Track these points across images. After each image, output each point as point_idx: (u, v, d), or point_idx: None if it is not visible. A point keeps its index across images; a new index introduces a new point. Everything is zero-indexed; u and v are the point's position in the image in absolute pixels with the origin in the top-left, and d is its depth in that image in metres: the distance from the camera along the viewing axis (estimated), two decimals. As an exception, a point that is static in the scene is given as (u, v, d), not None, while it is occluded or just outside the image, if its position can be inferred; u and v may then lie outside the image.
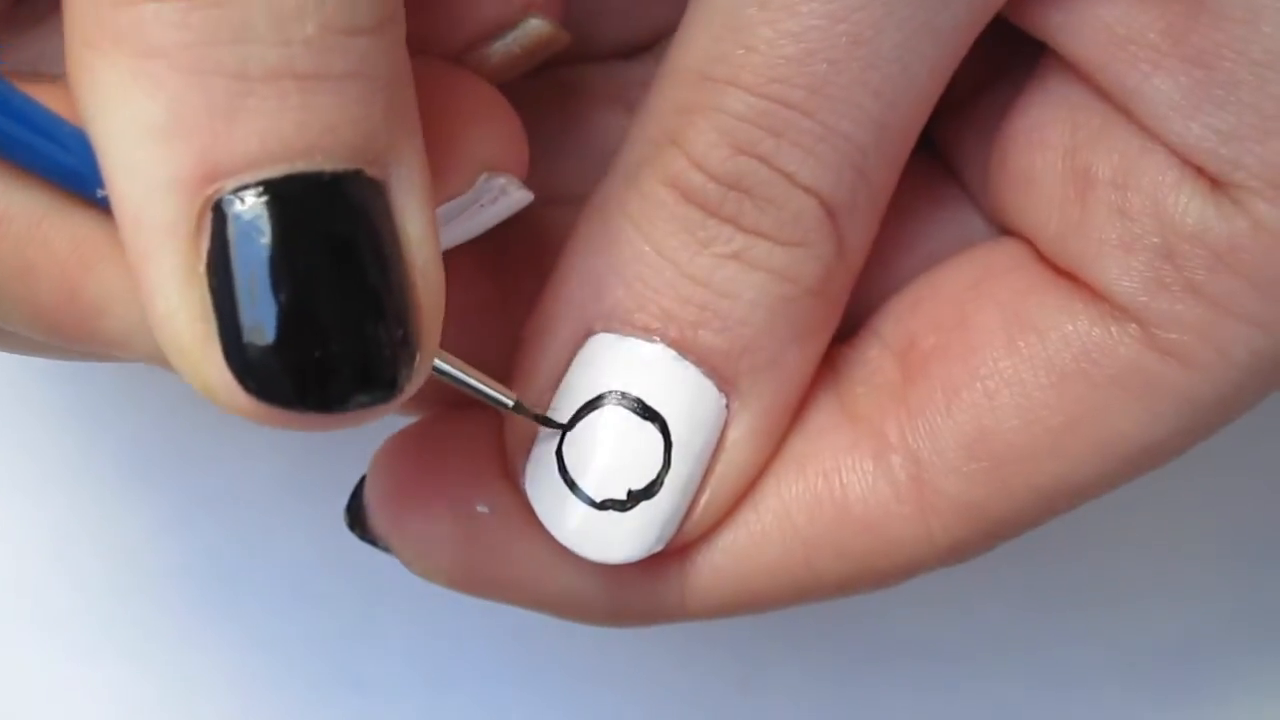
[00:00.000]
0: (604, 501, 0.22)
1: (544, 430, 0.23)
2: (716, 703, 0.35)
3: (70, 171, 0.19)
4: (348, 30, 0.18)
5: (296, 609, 0.34)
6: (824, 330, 0.23)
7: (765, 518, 0.23)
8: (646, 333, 0.22)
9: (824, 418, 0.24)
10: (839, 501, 0.23)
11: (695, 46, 0.22)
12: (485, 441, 0.24)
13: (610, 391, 0.22)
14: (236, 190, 0.17)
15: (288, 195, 0.17)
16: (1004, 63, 0.24)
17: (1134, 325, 0.22)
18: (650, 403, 0.22)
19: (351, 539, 0.24)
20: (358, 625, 0.34)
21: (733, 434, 0.23)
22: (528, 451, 0.23)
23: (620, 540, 0.22)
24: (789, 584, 0.23)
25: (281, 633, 0.34)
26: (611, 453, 0.22)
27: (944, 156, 0.26)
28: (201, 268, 0.17)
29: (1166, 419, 0.22)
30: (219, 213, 0.17)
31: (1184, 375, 0.21)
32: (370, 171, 0.18)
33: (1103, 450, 0.22)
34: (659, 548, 0.23)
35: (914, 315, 0.24)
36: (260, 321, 0.17)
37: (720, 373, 0.22)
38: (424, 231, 0.19)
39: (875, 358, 0.24)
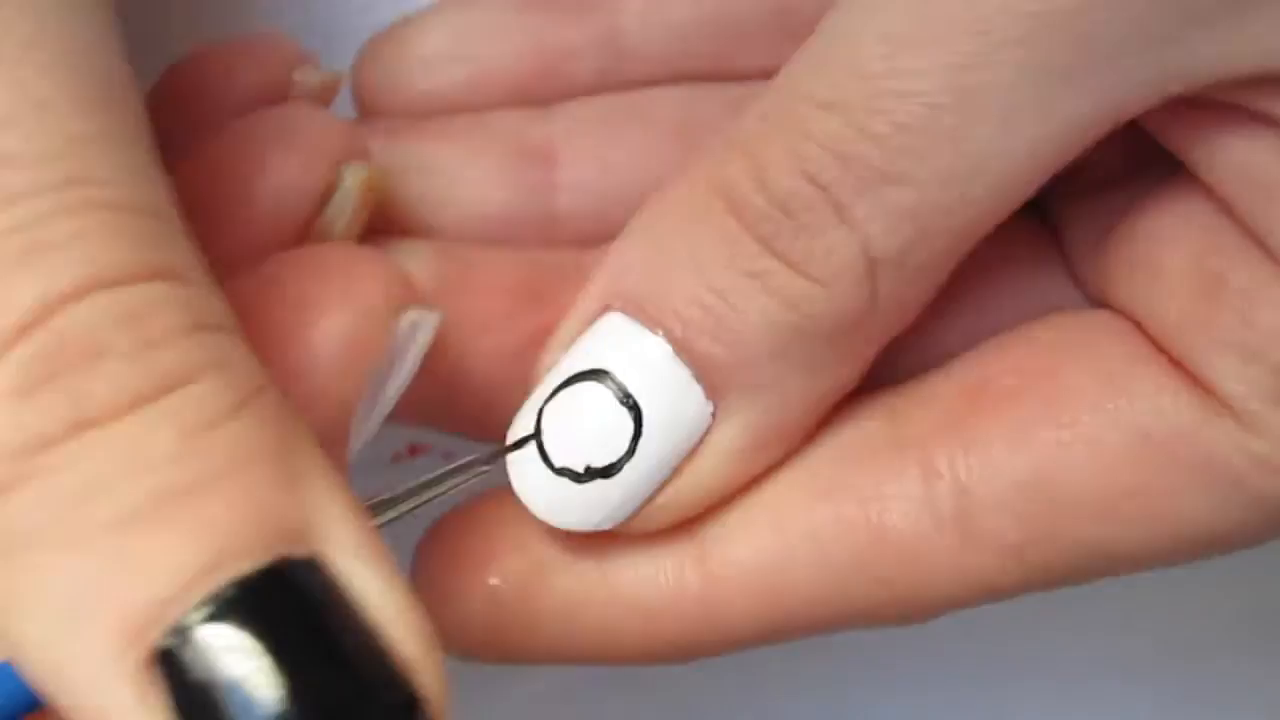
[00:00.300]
0: (561, 469, 0.23)
1: (535, 391, 0.23)
2: (717, 702, 0.35)
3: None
4: (209, 424, 0.17)
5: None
6: (835, 373, 0.23)
7: (794, 540, 0.23)
8: (653, 324, 0.23)
9: (867, 445, 0.23)
10: (875, 526, 0.23)
11: (803, 66, 0.22)
12: (490, 521, 0.24)
13: (601, 370, 0.23)
14: (170, 634, 0.16)
15: (219, 615, 0.16)
16: (1144, 157, 0.24)
17: (1233, 423, 0.22)
18: (633, 391, 0.23)
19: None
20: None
21: (711, 442, 0.23)
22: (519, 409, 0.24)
23: (570, 510, 0.23)
24: (819, 607, 0.23)
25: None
26: (580, 427, 0.23)
27: (1055, 226, 0.25)
28: None
29: (1234, 515, 0.22)
30: (164, 663, 0.16)
31: (1268, 481, 0.21)
32: (295, 552, 0.17)
33: (1161, 526, 0.22)
34: (605, 526, 0.23)
35: (997, 358, 0.24)
36: None
37: (711, 381, 0.23)
38: (381, 584, 0.17)
39: (938, 389, 0.24)
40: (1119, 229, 0.24)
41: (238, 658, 0.16)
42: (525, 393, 0.24)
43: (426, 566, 0.24)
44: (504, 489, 0.24)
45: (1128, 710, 0.35)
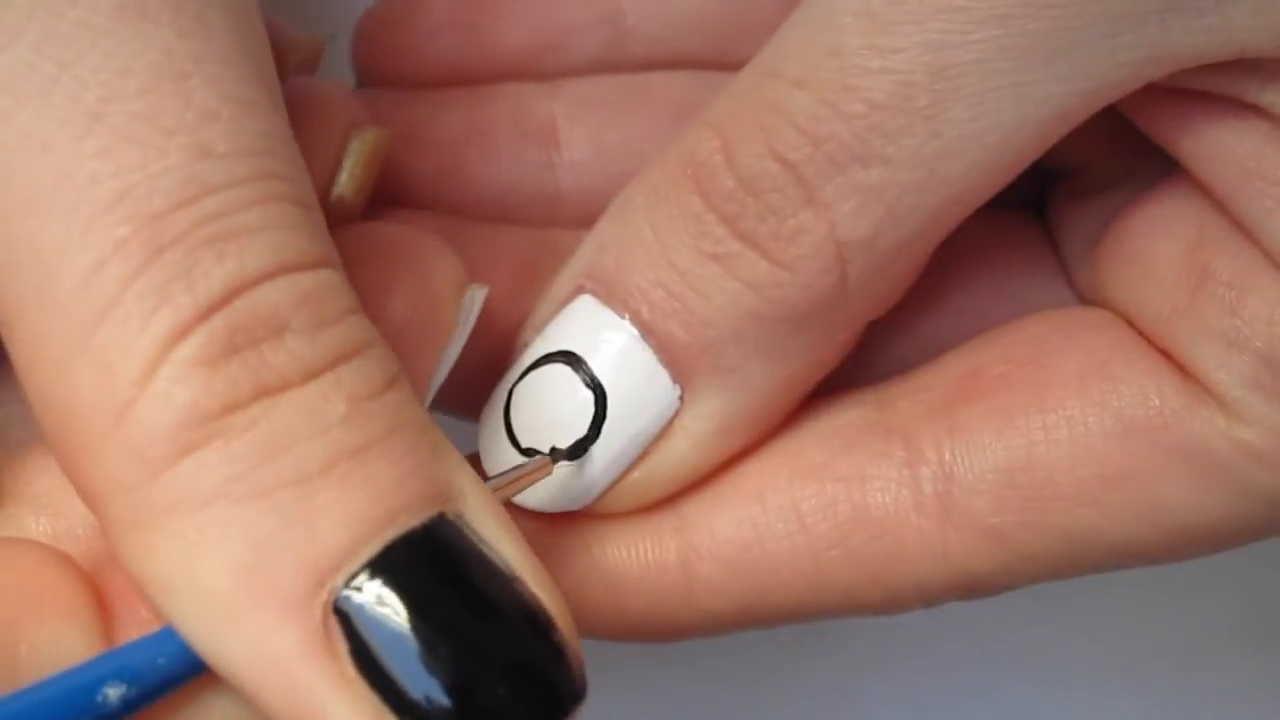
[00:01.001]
0: (527, 449, 0.23)
1: (507, 373, 0.24)
2: (718, 704, 0.35)
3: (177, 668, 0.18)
4: (371, 394, 0.18)
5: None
6: (804, 359, 0.23)
7: (772, 511, 0.23)
8: (620, 307, 0.23)
9: (853, 430, 0.23)
10: (857, 504, 0.23)
11: (778, 43, 0.22)
12: None
13: (568, 351, 0.23)
14: (347, 585, 0.18)
15: (394, 565, 0.18)
16: (1131, 150, 0.24)
17: (1218, 412, 0.22)
18: (598, 373, 0.23)
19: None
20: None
21: (678, 426, 0.23)
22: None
23: (536, 489, 0.23)
24: (796, 584, 0.23)
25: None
26: (545, 408, 0.23)
27: (1050, 225, 0.25)
28: (352, 671, 0.18)
29: (1218, 504, 0.22)
30: (340, 613, 0.18)
31: (1251, 470, 0.21)
32: (447, 510, 0.18)
33: (1144, 514, 0.22)
34: (573, 507, 0.23)
35: (985, 348, 0.24)
36: (431, 692, 0.18)
37: (677, 365, 0.22)
38: (514, 545, 0.19)
39: (926, 379, 0.24)
40: (1112, 228, 0.24)
41: (409, 605, 0.18)
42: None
43: None
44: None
45: (1128, 710, 0.35)
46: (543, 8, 0.27)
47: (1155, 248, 0.23)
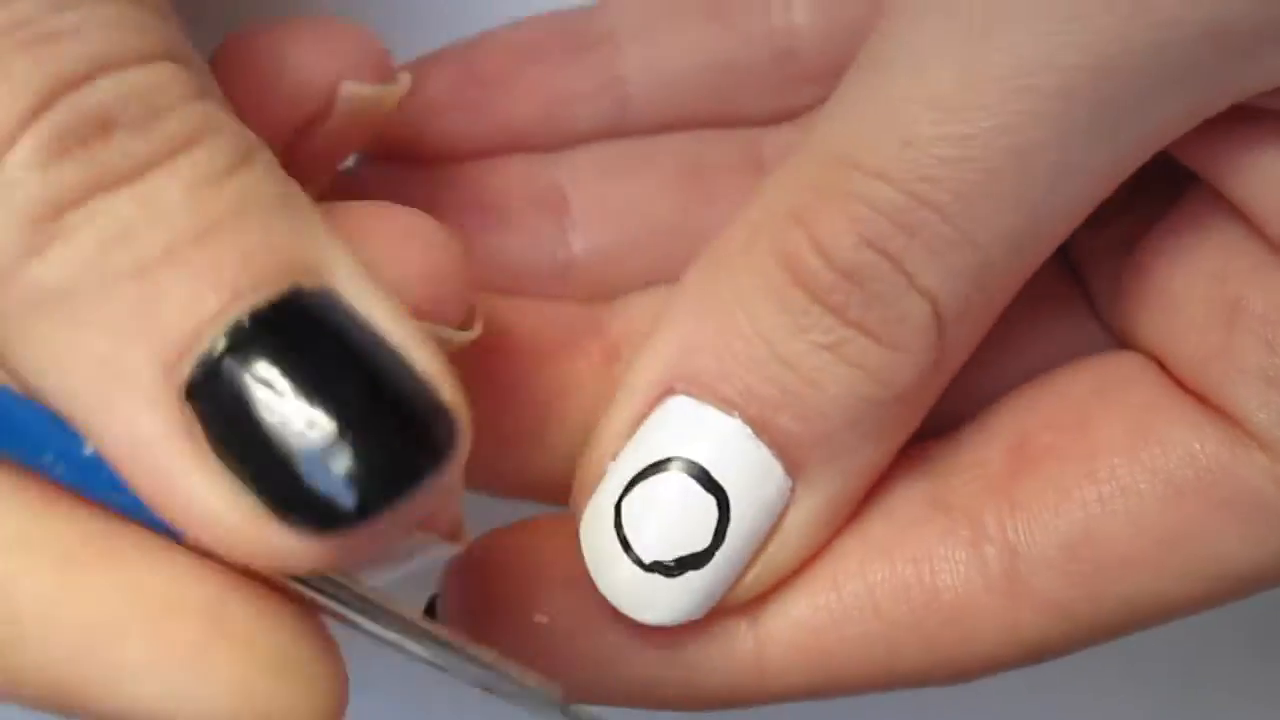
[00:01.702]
0: (652, 564, 0.22)
1: (605, 481, 0.23)
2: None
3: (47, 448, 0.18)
4: (211, 179, 0.18)
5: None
6: (902, 434, 0.23)
7: (848, 600, 0.23)
8: (726, 405, 0.22)
9: (916, 506, 0.23)
10: (928, 588, 0.23)
11: (846, 128, 0.22)
12: (536, 553, 0.24)
13: (678, 457, 0.22)
14: (200, 367, 0.17)
15: (244, 341, 0.17)
16: (1151, 182, 0.24)
17: (1261, 454, 0.22)
18: (715, 476, 0.22)
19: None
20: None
21: (792, 516, 0.23)
22: (589, 498, 0.23)
23: (661, 604, 0.22)
24: (868, 668, 0.23)
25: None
26: (667, 519, 0.22)
27: (1074, 264, 0.26)
28: (210, 453, 0.17)
29: (1270, 548, 0.22)
30: (197, 395, 0.17)
31: None
32: (306, 283, 0.18)
33: (1201, 570, 0.22)
34: (698, 616, 0.23)
35: (1030, 413, 0.24)
36: (291, 465, 0.17)
37: (791, 457, 0.22)
38: (391, 313, 0.18)
39: (980, 449, 0.24)
40: (1135, 263, 0.24)
41: (266, 381, 0.17)
42: (545, 456, 0.24)
43: (461, 594, 0.24)
44: (542, 516, 0.24)
45: (1128, 710, 0.35)
46: (543, 80, 0.27)
47: (1181, 284, 0.23)
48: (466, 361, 0.23)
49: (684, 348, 0.23)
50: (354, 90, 0.23)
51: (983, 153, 0.21)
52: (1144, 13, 0.20)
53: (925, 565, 0.23)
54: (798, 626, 0.23)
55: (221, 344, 0.17)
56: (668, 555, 0.22)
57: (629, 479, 0.23)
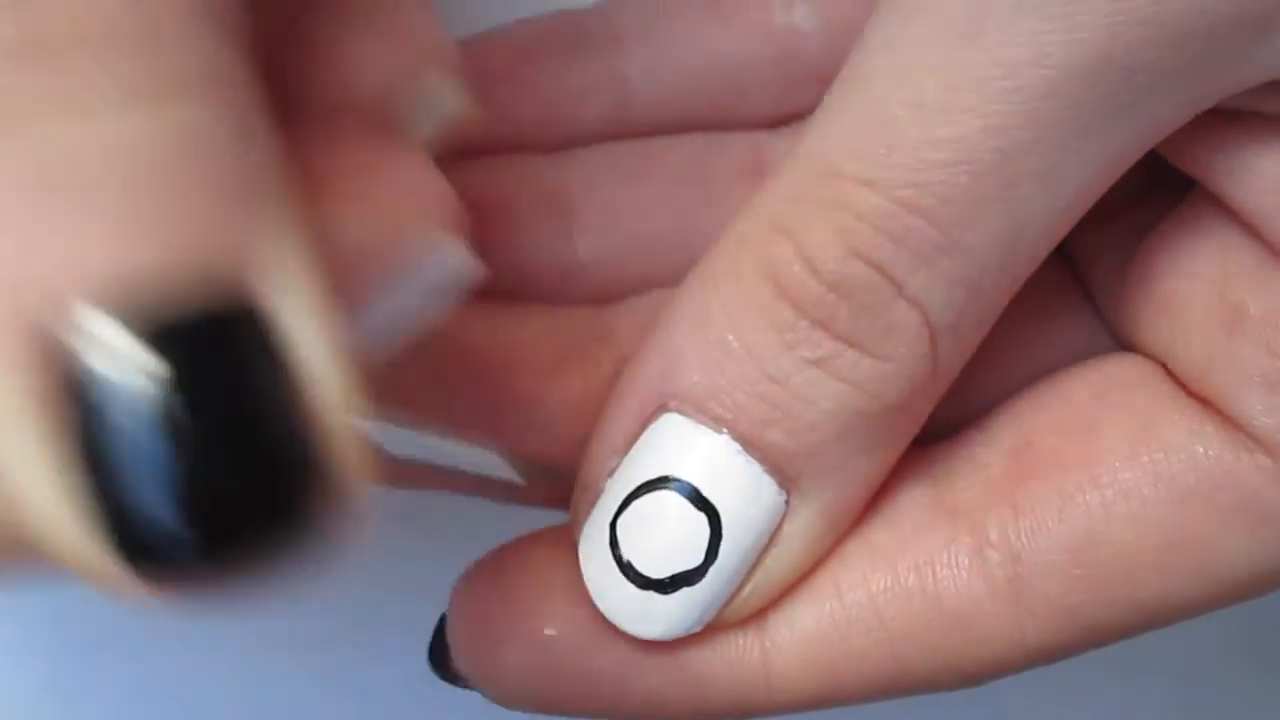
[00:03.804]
0: (647, 582, 0.22)
1: (600, 500, 0.23)
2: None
3: None
4: (126, 98, 0.14)
5: (297, 609, 0.34)
6: (900, 442, 0.23)
7: (851, 609, 0.23)
8: (716, 422, 0.22)
9: (918, 512, 0.23)
10: (930, 595, 0.23)
11: (830, 137, 0.22)
12: (543, 566, 0.24)
13: (669, 476, 0.22)
14: (72, 350, 0.14)
15: (146, 338, 0.14)
16: (1150, 186, 0.24)
17: (1265, 458, 0.22)
18: (706, 493, 0.22)
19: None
20: (358, 625, 0.34)
21: (787, 530, 0.23)
22: (586, 515, 0.23)
23: (657, 619, 0.23)
24: (875, 677, 0.23)
25: (283, 633, 0.34)
26: (659, 539, 0.22)
27: (1076, 267, 0.25)
28: (56, 442, 0.14)
29: (1276, 551, 0.22)
30: (59, 381, 0.14)
31: None
32: (226, 279, 0.14)
33: (1208, 573, 0.22)
34: (696, 629, 0.23)
35: (1032, 418, 0.24)
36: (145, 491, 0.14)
37: (782, 471, 0.22)
38: (315, 334, 0.15)
39: (981, 455, 0.24)
40: (1135, 266, 0.24)
41: (131, 389, 0.14)
42: (561, 466, 0.24)
43: (468, 607, 0.24)
44: (552, 529, 0.24)
45: (1128, 710, 0.35)
46: (545, 78, 0.27)
47: (1182, 289, 0.23)
48: (473, 374, 0.23)
49: (673, 364, 0.23)
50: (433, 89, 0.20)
51: (969, 155, 0.20)
52: (1128, 9, 0.20)
53: (928, 573, 0.23)
54: (803, 636, 0.23)
55: (94, 322, 0.13)
56: (661, 573, 0.22)
57: (622, 498, 0.23)
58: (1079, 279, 0.25)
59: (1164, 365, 0.23)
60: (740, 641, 0.23)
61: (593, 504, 0.23)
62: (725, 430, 0.22)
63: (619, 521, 0.23)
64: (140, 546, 0.14)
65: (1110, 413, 0.23)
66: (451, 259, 0.18)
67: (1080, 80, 0.20)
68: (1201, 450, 0.22)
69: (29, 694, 0.34)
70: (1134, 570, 0.22)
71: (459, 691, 0.30)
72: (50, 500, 0.14)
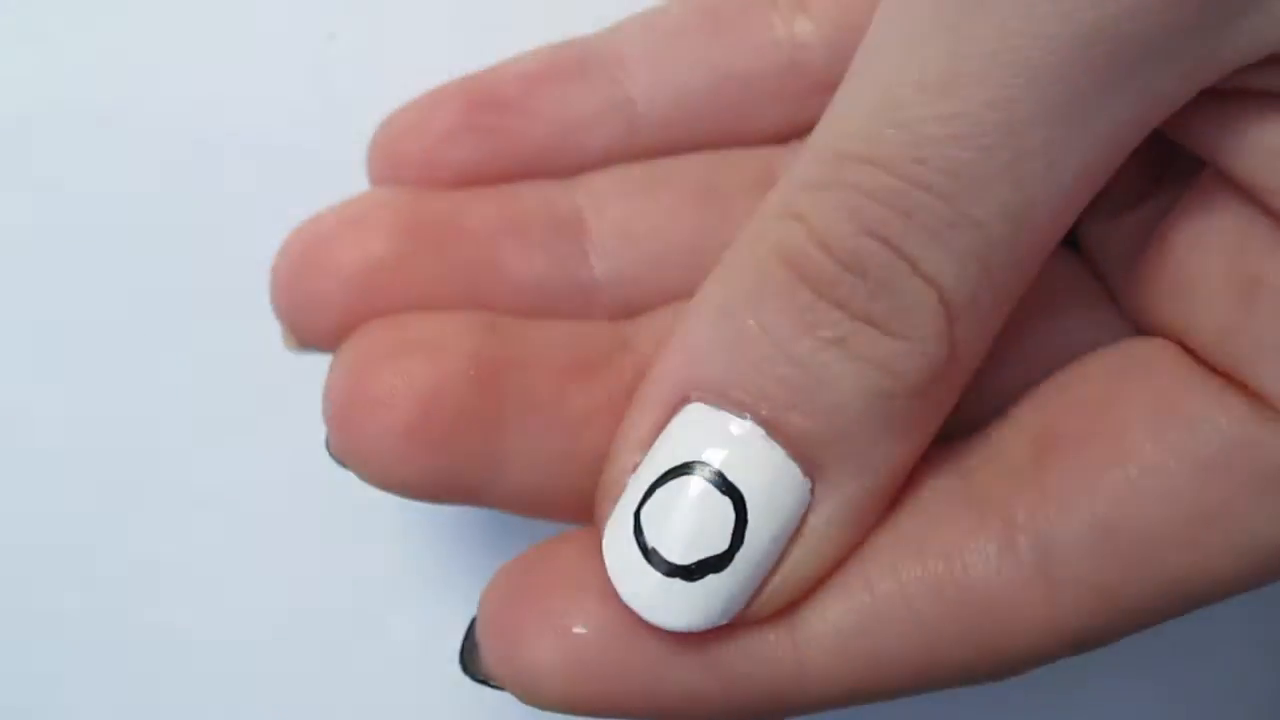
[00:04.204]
0: (671, 569, 0.22)
1: (625, 492, 0.23)
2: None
3: None
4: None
5: (297, 609, 0.34)
6: (924, 429, 0.23)
7: (881, 600, 0.23)
8: (738, 408, 0.22)
9: (945, 502, 0.23)
10: (960, 583, 0.22)
11: (840, 122, 0.22)
12: (572, 565, 0.24)
13: (694, 462, 0.22)
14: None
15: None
16: (1161, 167, 0.24)
17: None
18: (731, 478, 0.22)
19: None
20: (357, 623, 0.34)
21: (814, 520, 0.22)
22: (610, 510, 0.23)
23: (683, 609, 0.22)
24: (909, 668, 0.23)
25: (282, 633, 0.34)
26: (684, 523, 0.22)
27: (1088, 255, 0.25)
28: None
29: None
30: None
31: None
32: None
33: (1239, 547, 0.22)
34: (722, 621, 0.23)
35: (1055, 402, 0.24)
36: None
37: (807, 457, 0.22)
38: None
39: (1005, 442, 0.24)
40: (1149, 248, 0.24)
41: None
42: (580, 476, 0.24)
43: (498, 607, 0.24)
44: (581, 531, 0.24)
45: (1128, 708, 0.35)
46: (554, 103, 0.27)
47: (1198, 264, 0.23)
48: (500, 383, 0.24)
49: (695, 355, 0.23)
50: None
51: (974, 129, 0.20)
52: None
53: (957, 561, 0.23)
54: (834, 629, 0.23)
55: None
56: (686, 559, 0.22)
57: (647, 487, 0.22)
58: (1097, 274, 0.25)
59: (1183, 344, 0.23)
60: (771, 637, 0.23)
61: (617, 499, 0.23)
62: (748, 415, 0.22)
63: (643, 510, 0.22)
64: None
65: (1130, 391, 0.23)
66: None
67: (1085, 50, 0.20)
68: (1225, 422, 0.22)
69: (29, 694, 0.34)
70: (1164, 547, 0.22)
71: (452, 694, 0.30)
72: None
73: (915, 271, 0.21)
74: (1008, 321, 0.23)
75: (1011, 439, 0.24)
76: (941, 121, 0.20)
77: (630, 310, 0.26)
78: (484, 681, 0.24)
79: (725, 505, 0.22)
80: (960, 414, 0.24)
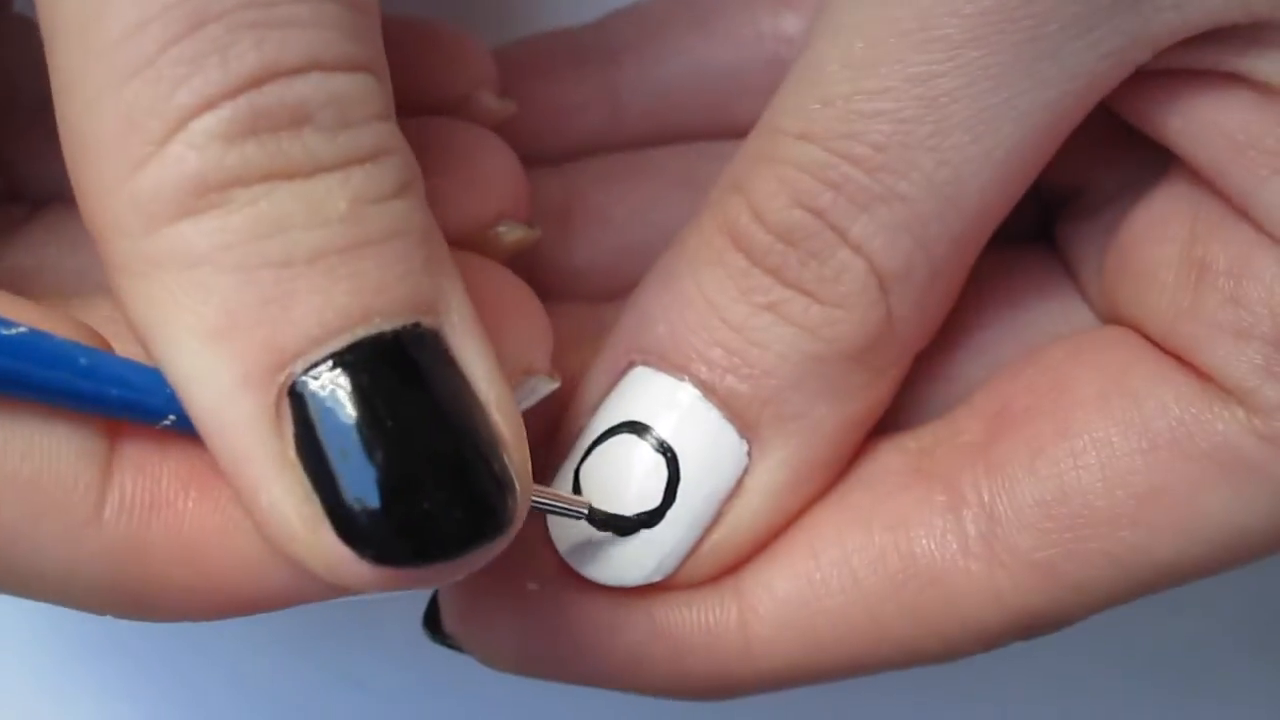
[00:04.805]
0: (603, 523, 0.23)
1: (569, 452, 0.24)
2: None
3: (133, 405, 0.19)
4: (376, 198, 0.18)
5: (295, 610, 0.34)
6: (865, 396, 0.23)
7: (826, 568, 0.23)
8: (678, 371, 0.23)
9: (895, 476, 0.24)
10: (904, 554, 0.23)
11: (778, 99, 0.23)
12: (529, 526, 0.24)
13: (632, 422, 0.23)
14: (307, 371, 0.18)
15: (356, 363, 0.18)
16: (1125, 161, 0.24)
17: (1238, 408, 0.21)
18: (666, 438, 0.23)
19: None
20: (358, 625, 0.34)
21: (750, 481, 0.23)
22: (555, 473, 0.24)
23: (616, 564, 0.23)
24: (854, 640, 0.23)
25: (281, 632, 0.34)
26: (616, 482, 0.23)
27: (1062, 253, 0.26)
28: (292, 453, 0.18)
29: (1258, 505, 0.22)
30: (295, 396, 0.18)
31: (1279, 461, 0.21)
32: (425, 322, 0.19)
33: (1185, 527, 0.22)
34: (656, 578, 0.23)
35: (1010, 384, 0.24)
36: (363, 490, 0.18)
37: (743, 419, 0.23)
38: (488, 369, 0.19)
39: (960, 421, 0.24)
40: (1114, 242, 0.24)
41: (361, 403, 0.18)
42: (552, 453, 0.24)
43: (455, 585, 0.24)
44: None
45: (1128, 709, 0.35)
46: (541, 91, 0.28)
47: (1153, 253, 0.23)
48: None
49: (641, 321, 0.23)
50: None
51: (896, 105, 0.21)
52: None
53: (901, 532, 0.23)
54: (779, 596, 0.23)
55: (335, 358, 0.18)
56: (619, 513, 0.23)
57: (586, 446, 0.23)
58: (1069, 270, 0.26)
59: (1141, 332, 0.23)
60: (718, 605, 0.23)
61: (560, 462, 0.24)
62: (686, 378, 0.23)
63: (582, 468, 0.23)
64: (359, 542, 0.18)
65: (1083, 370, 0.23)
66: (544, 390, 0.22)
67: (1001, 27, 0.20)
68: (1172, 398, 0.22)
69: (29, 694, 0.34)
70: (1107, 523, 0.22)
71: (451, 694, 0.31)
72: (288, 498, 0.18)
73: (845, 242, 0.22)
74: (979, 315, 0.24)
75: (968, 420, 0.24)
76: (866, 97, 0.21)
77: (611, 295, 0.27)
78: (446, 642, 0.25)
79: (659, 463, 0.23)
80: (930, 404, 0.24)
